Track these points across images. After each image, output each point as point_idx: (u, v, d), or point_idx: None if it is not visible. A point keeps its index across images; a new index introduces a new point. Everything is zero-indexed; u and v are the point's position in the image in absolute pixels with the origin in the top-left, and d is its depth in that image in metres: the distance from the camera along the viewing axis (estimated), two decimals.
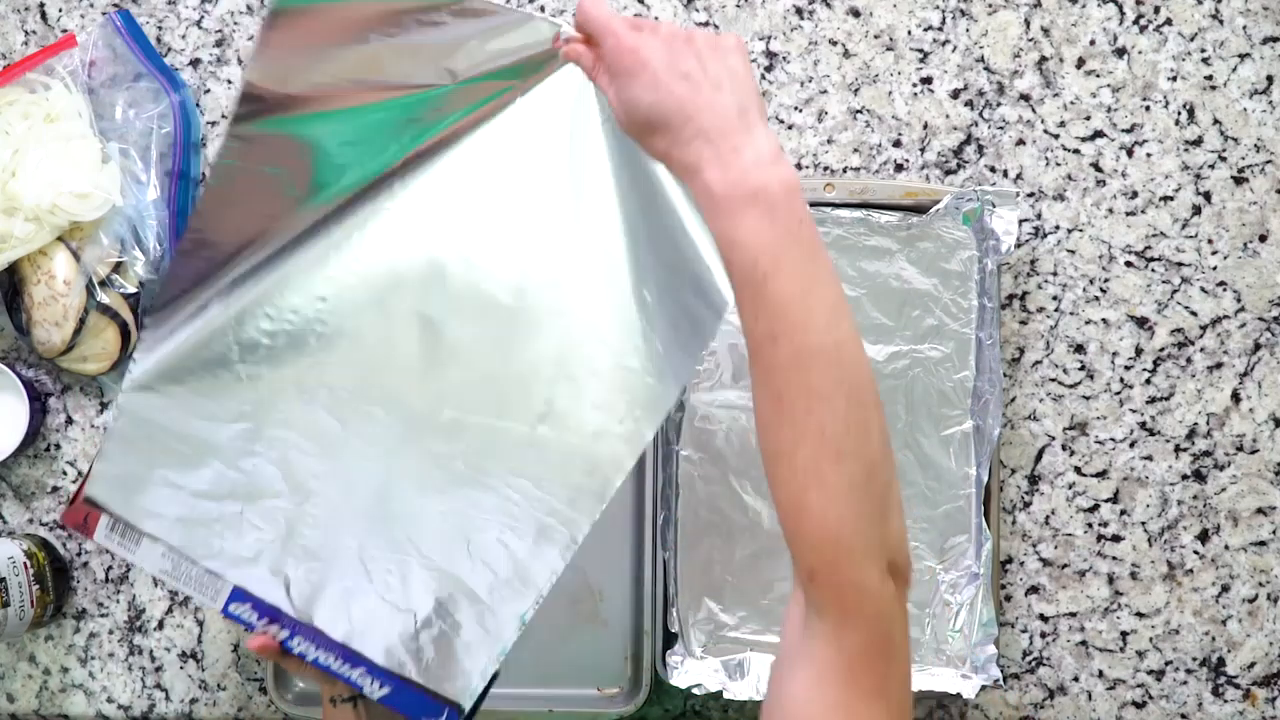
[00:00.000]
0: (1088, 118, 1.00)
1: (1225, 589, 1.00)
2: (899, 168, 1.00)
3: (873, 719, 0.56)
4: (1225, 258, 1.00)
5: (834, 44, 1.00)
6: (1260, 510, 1.00)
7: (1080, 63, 1.00)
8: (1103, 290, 1.00)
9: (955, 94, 1.00)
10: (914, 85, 1.00)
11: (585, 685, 0.96)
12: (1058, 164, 1.00)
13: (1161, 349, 1.00)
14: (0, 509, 0.99)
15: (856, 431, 0.54)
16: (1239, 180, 1.00)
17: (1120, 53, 1.00)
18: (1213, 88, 1.00)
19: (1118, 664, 1.00)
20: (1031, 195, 1.00)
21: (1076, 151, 1.00)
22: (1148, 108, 1.00)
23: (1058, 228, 1.00)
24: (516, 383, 0.77)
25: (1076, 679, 1.00)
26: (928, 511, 0.95)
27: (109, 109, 0.95)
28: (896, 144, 1.00)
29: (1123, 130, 1.00)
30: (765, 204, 0.55)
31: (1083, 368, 1.00)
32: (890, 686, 0.57)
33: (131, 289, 0.95)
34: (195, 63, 0.99)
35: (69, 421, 0.99)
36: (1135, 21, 1.00)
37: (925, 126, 1.00)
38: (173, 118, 0.96)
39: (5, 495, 0.99)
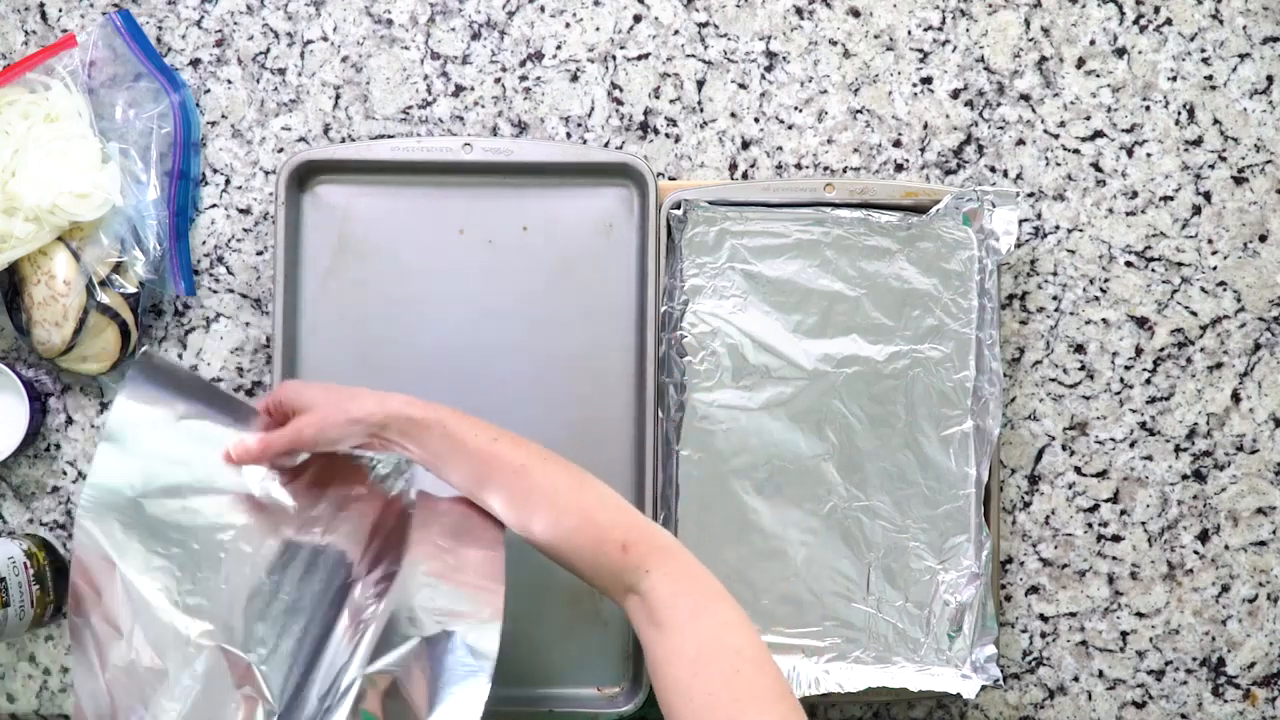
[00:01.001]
0: (1088, 118, 1.00)
1: (1225, 589, 1.00)
2: (899, 168, 1.00)
3: (733, 603, 0.73)
4: (1225, 258, 1.00)
5: (834, 44, 1.00)
6: (1260, 510, 1.00)
7: (1080, 63, 1.00)
8: (1103, 290, 1.00)
9: (955, 94, 1.00)
10: (914, 85, 1.00)
11: (585, 685, 0.96)
12: (1058, 164, 1.00)
13: (1161, 349, 1.00)
14: (0, 509, 0.99)
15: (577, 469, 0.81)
16: (1239, 180, 1.00)
17: (1120, 53, 1.00)
18: (1213, 88, 1.00)
19: (1118, 664, 1.00)
20: (1031, 195, 1.00)
21: (1076, 151, 1.00)
22: (1148, 108, 1.00)
23: (1058, 228, 1.00)
24: None
25: (1076, 679, 1.00)
26: (928, 511, 0.94)
27: (109, 109, 0.95)
28: (896, 144, 1.00)
29: (1123, 130, 1.00)
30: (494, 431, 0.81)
31: (1083, 368, 1.00)
32: (721, 588, 0.74)
33: (131, 289, 0.95)
34: (195, 63, 0.99)
35: (69, 421, 0.99)
36: (1135, 21, 1.00)
37: (925, 126, 1.00)
38: (173, 118, 0.96)
39: (5, 495, 0.99)
